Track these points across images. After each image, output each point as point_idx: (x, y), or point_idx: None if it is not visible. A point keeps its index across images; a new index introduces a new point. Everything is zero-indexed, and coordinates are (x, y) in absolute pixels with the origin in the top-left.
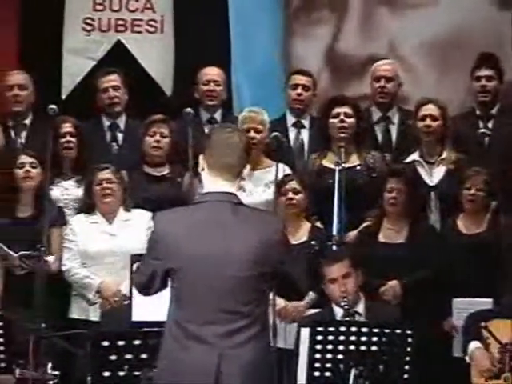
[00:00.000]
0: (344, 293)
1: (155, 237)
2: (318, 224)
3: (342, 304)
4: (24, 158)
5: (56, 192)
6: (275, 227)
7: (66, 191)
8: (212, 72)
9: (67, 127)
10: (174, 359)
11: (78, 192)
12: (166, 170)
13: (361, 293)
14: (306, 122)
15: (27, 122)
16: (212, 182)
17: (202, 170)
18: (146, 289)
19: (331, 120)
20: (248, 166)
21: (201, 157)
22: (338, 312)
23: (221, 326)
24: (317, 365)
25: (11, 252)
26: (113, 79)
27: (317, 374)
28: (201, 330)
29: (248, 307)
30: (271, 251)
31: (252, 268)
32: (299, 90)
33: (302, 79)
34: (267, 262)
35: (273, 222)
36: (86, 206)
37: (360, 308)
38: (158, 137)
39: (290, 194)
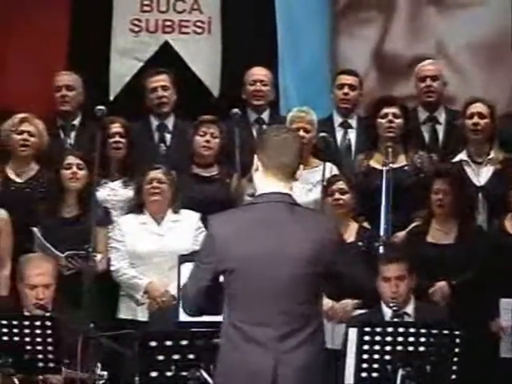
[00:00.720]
0: (395, 294)
1: (210, 239)
2: (366, 224)
3: (391, 305)
4: (71, 159)
5: (103, 193)
6: (329, 227)
7: (113, 192)
8: (259, 72)
9: (116, 127)
10: (230, 361)
11: (126, 193)
12: (214, 171)
13: (411, 294)
14: (353, 122)
15: (76, 122)
16: (266, 183)
17: (256, 170)
18: (196, 300)
19: (379, 120)
20: (301, 167)
21: (255, 157)
22: (387, 312)
23: (275, 327)
24: (364, 365)
25: (58, 252)
26: (162, 79)
27: (364, 374)
28: (256, 332)
29: (302, 308)
30: (325, 251)
31: (306, 268)
32: (346, 90)
33: (348, 79)
34: (321, 261)
35: (327, 222)
36: (136, 206)
37: (409, 309)
38: (208, 137)
39: (337, 195)
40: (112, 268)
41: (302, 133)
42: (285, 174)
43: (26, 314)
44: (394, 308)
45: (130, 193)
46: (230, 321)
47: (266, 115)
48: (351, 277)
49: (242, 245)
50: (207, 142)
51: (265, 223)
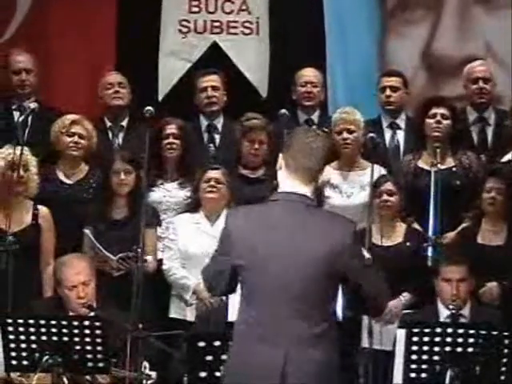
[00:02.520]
0: (455, 296)
1: (226, 232)
2: (416, 225)
3: (451, 307)
4: (119, 164)
5: (158, 194)
6: (347, 230)
7: (169, 193)
8: (309, 73)
9: (172, 128)
10: (240, 358)
11: (181, 194)
12: (261, 172)
13: (469, 296)
14: (401, 123)
15: (124, 123)
16: (287, 182)
17: (280, 168)
18: (216, 287)
19: (427, 120)
20: (327, 169)
21: (280, 155)
22: (443, 312)
23: (287, 326)
24: (413, 366)
25: (109, 254)
26: (212, 79)
27: (413, 375)
28: (268, 330)
29: (314, 307)
30: (341, 253)
31: (319, 269)
32: (388, 92)
33: (389, 80)
34: (334, 264)
35: (345, 225)
36: (192, 205)
37: (465, 311)
38: (256, 145)
39: (385, 196)
40: (163, 267)
41: (345, 134)
42: (305, 177)
43: (71, 313)
44: (453, 310)
45: (185, 194)
46: (243, 317)
47: (315, 116)
48: (363, 283)
49: (255, 241)
50: (256, 149)
51: (281, 222)
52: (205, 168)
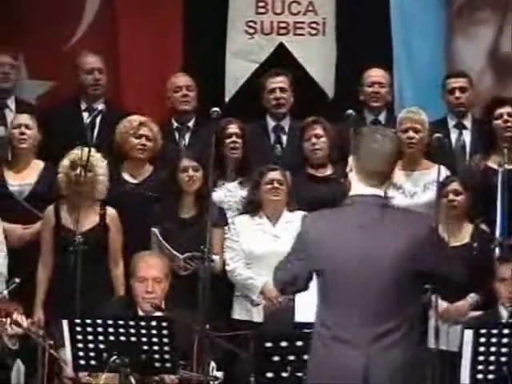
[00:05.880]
0: None
1: (303, 236)
2: (483, 226)
3: (507, 305)
4: (186, 162)
5: (219, 193)
6: (425, 227)
7: (230, 193)
8: (377, 74)
9: (233, 128)
10: (321, 361)
11: (242, 194)
12: (328, 171)
13: None
14: (467, 123)
15: (190, 124)
16: (360, 185)
17: (350, 170)
18: (287, 287)
19: (495, 121)
20: (396, 171)
21: (350, 157)
22: (504, 313)
23: (368, 327)
24: (480, 367)
25: (176, 253)
26: (280, 80)
27: (480, 376)
28: (348, 332)
29: (397, 308)
30: (420, 251)
31: (400, 268)
32: (457, 94)
33: (457, 81)
34: (416, 261)
35: (422, 222)
36: (252, 207)
37: None
38: (313, 139)
39: (452, 196)
40: (227, 268)
41: (411, 133)
42: (377, 179)
43: (141, 313)
44: (510, 308)
45: (246, 193)
46: (322, 320)
47: (382, 116)
48: (447, 275)
49: (334, 245)
50: (313, 144)
51: (357, 225)
52: (264, 169)
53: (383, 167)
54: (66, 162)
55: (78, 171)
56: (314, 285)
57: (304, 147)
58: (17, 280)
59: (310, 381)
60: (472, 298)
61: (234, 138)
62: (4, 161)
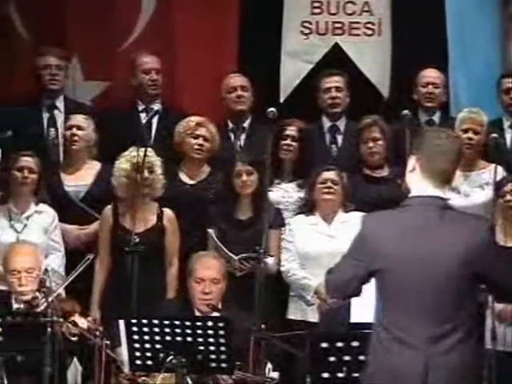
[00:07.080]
0: None
1: (362, 238)
2: None
3: None
4: (240, 166)
5: (276, 194)
6: (482, 230)
7: (287, 194)
8: (432, 75)
9: (292, 130)
10: (380, 363)
11: (299, 195)
12: (385, 172)
13: None
14: None
15: (246, 124)
16: (421, 185)
17: (413, 170)
18: (342, 289)
19: None
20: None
21: (412, 157)
22: None
23: (427, 329)
24: None
25: (232, 254)
26: (336, 80)
27: None
28: (406, 333)
29: (454, 310)
30: (478, 253)
31: (458, 270)
32: None
33: None
34: (474, 264)
35: (481, 226)
36: (307, 207)
37: None
38: (371, 143)
39: (508, 196)
40: (282, 268)
41: (470, 134)
42: (439, 179)
43: (197, 313)
44: None
45: (302, 195)
46: (381, 322)
47: (436, 117)
48: (504, 280)
49: (393, 246)
50: (370, 147)
51: (416, 226)
52: (319, 169)
53: (448, 166)
54: (125, 164)
55: (141, 173)
56: (369, 285)
57: (361, 149)
58: (90, 256)
59: (369, 381)
60: None
61: (288, 141)
62: (59, 162)
